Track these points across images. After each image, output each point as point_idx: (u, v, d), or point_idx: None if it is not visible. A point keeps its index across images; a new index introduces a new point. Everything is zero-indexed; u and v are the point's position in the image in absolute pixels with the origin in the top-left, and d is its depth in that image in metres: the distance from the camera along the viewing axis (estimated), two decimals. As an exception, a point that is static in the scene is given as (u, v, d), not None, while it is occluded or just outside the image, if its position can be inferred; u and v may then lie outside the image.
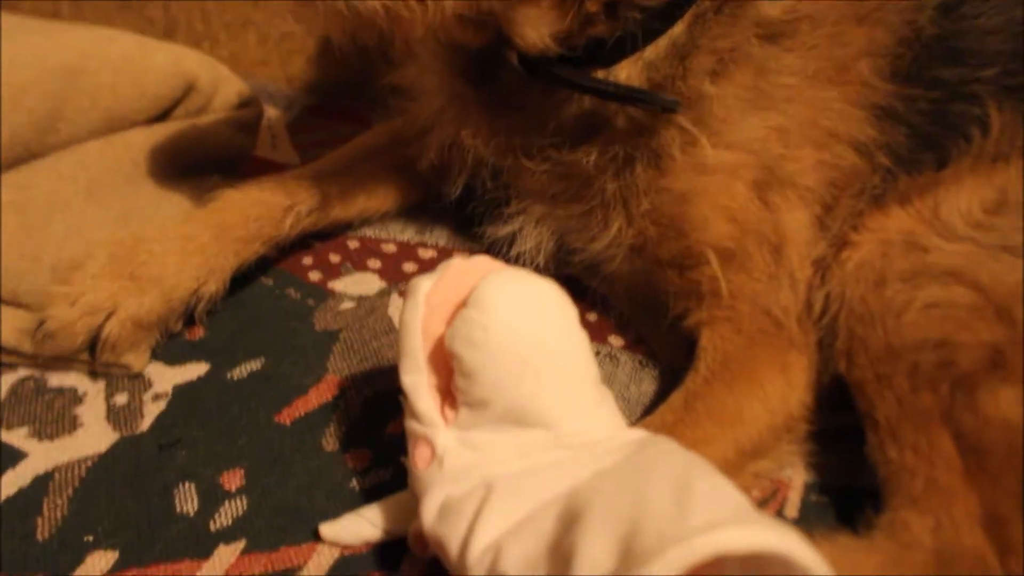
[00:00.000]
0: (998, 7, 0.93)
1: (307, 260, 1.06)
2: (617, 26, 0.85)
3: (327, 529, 0.76)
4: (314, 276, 1.04)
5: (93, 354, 0.91)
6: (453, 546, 0.64)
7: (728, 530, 0.52)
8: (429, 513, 0.67)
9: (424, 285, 0.73)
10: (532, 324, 0.69)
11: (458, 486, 0.67)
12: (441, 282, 0.73)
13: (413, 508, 0.71)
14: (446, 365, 0.71)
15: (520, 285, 0.71)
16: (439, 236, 1.10)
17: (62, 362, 0.93)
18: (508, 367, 0.68)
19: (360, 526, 0.76)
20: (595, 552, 0.55)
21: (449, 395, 0.71)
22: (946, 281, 0.80)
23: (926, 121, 0.89)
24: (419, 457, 0.70)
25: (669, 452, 0.65)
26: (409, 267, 1.05)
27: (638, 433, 0.71)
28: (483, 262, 0.75)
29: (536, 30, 0.85)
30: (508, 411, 0.68)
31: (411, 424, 0.72)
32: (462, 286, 0.72)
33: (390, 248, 1.08)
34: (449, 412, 0.71)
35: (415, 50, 1.01)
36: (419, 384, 0.71)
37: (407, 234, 1.10)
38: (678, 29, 0.87)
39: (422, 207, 1.12)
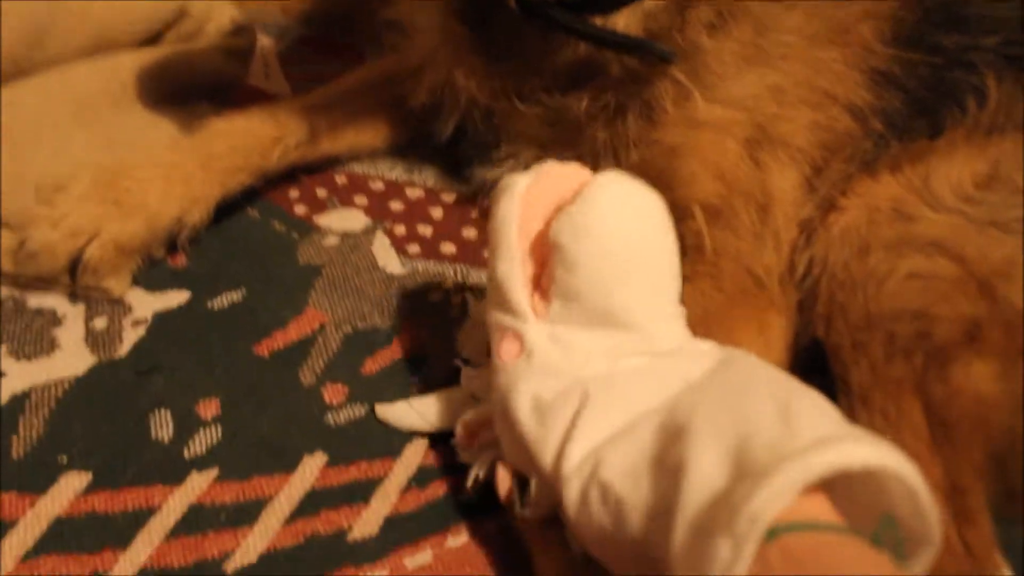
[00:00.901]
0: (1011, -23, 0.92)
1: (294, 193, 1.04)
2: (618, -28, 0.84)
3: (381, 409, 0.81)
4: (300, 209, 1.03)
5: (74, 277, 0.91)
6: (547, 451, 0.65)
7: (845, 446, 0.53)
8: (521, 408, 0.68)
9: (520, 182, 0.74)
10: (637, 225, 0.72)
11: (547, 384, 0.68)
12: (537, 181, 0.75)
13: (463, 404, 0.75)
14: (539, 261, 0.73)
15: (628, 187, 0.73)
16: (427, 176, 1.09)
17: (43, 283, 0.93)
18: (609, 263, 0.70)
19: (409, 416, 0.80)
20: (706, 465, 0.56)
21: (539, 289, 0.73)
22: (930, 252, 0.80)
23: (923, 87, 0.89)
24: (505, 351, 0.72)
25: (759, 367, 0.67)
26: (396, 205, 1.05)
27: (708, 344, 0.73)
28: (578, 168, 0.77)
29: (535, -28, 0.84)
30: (600, 308, 0.70)
31: (498, 316, 0.74)
32: (558, 187, 0.74)
33: (378, 185, 1.07)
34: (539, 305, 0.72)
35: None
36: (513, 273, 0.72)
37: (395, 172, 1.09)
38: (679, -19, 0.85)
39: (412, 146, 1.11)
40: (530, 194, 0.74)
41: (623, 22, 0.86)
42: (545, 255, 0.72)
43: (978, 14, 0.90)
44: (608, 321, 0.70)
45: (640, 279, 0.71)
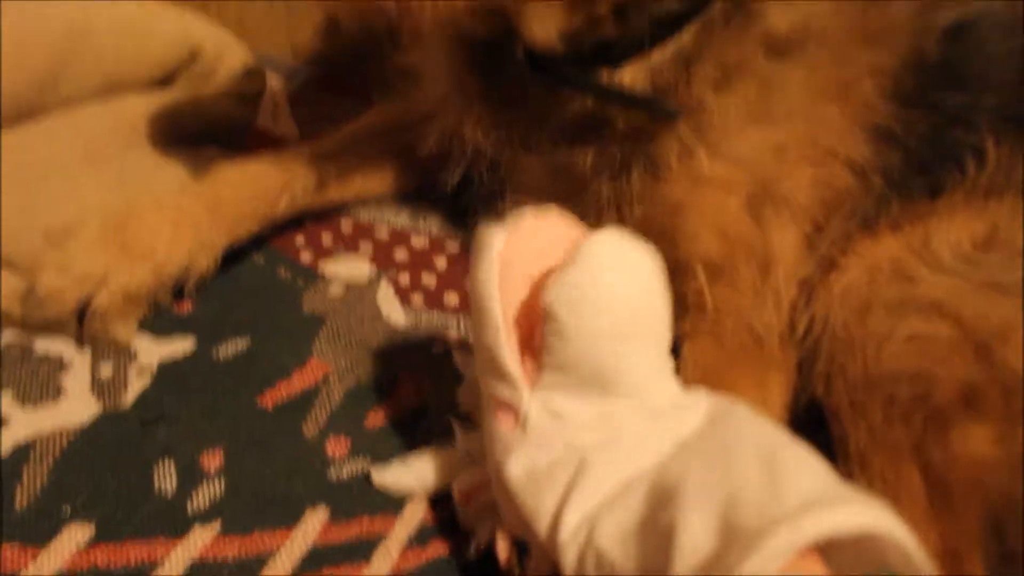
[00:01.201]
0: (1006, 35, 0.93)
1: (299, 239, 1.06)
2: (625, 29, 0.85)
3: (377, 475, 0.80)
4: (305, 256, 1.04)
5: (81, 323, 0.91)
6: (543, 520, 0.65)
7: (836, 510, 0.53)
8: (517, 478, 0.67)
9: (496, 241, 0.72)
10: (636, 289, 0.71)
11: (542, 453, 0.68)
12: (515, 236, 0.73)
13: (459, 465, 0.75)
14: (526, 322, 0.71)
15: (625, 250, 0.71)
16: (433, 224, 1.10)
17: (49, 329, 0.94)
18: (607, 332, 0.68)
19: (406, 479, 0.79)
20: (695, 528, 0.56)
21: (527, 352, 0.72)
22: (929, 314, 0.81)
23: (923, 145, 0.90)
24: (500, 420, 0.71)
25: (746, 421, 0.67)
26: (401, 254, 1.06)
27: (699, 394, 0.72)
28: (556, 217, 0.76)
29: (544, 27, 0.85)
30: (596, 375, 0.69)
31: (490, 384, 0.72)
32: (539, 242, 0.73)
33: (383, 232, 1.08)
34: (530, 367, 0.71)
35: (422, 36, 1.01)
36: (500, 341, 0.70)
37: (401, 219, 1.10)
38: (686, 35, 0.86)
39: (418, 192, 1.12)
40: (509, 251, 0.72)
41: (630, 77, 0.87)
42: (533, 318, 0.71)
43: (979, 74, 0.91)
44: (604, 387, 0.69)
45: (637, 343, 0.70)
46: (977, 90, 0.91)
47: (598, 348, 0.68)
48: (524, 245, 0.72)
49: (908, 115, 0.89)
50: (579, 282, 0.68)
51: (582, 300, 0.68)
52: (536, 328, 0.70)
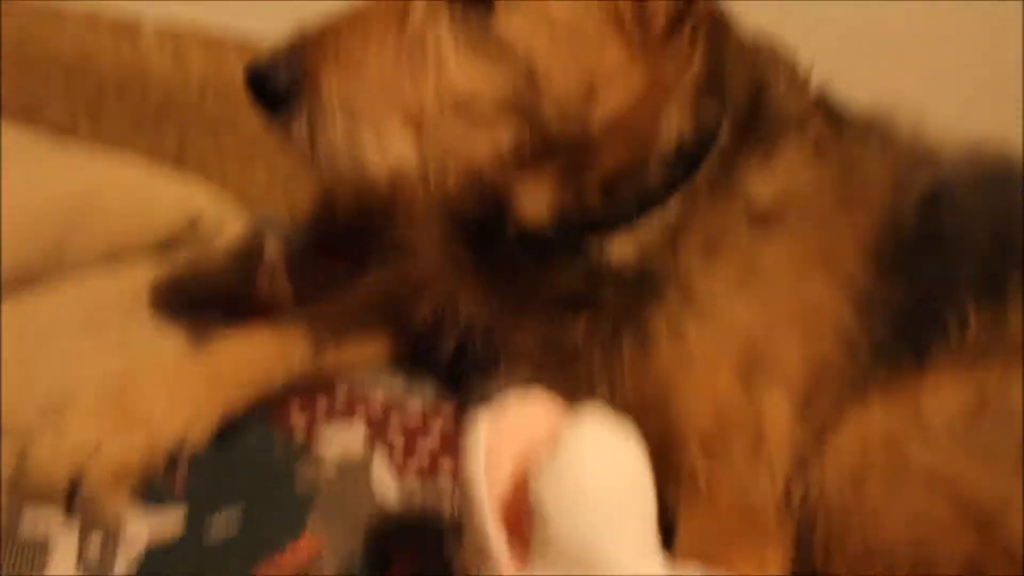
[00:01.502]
0: (980, 201, 0.96)
1: (294, 407, 1.06)
2: (612, 204, 0.88)
3: None
4: (300, 424, 1.04)
5: (72, 493, 0.91)
6: None
7: None
8: None
9: (482, 429, 0.73)
10: (620, 473, 0.71)
11: None
12: (500, 424, 0.74)
13: None
14: (514, 507, 0.71)
15: (605, 433, 0.72)
16: (427, 390, 1.10)
17: (39, 498, 0.93)
18: (594, 519, 0.68)
19: None
20: None
21: (515, 535, 0.71)
22: (926, 486, 0.81)
23: (906, 314, 0.91)
24: None
25: None
26: (395, 420, 1.06)
27: (690, 567, 0.73)
28: (539, 398, 0.77)
29: (534, 204, 0.88)
30: (582, 559, 0.68)
31: (481, 567, 0.72)
32: (524, 427, 0.73)
33: (378, 399, 1.09)
34: (518, 552, 0.70)
35: (415, 212, 1.04)
36: (489, 530, 0.70)
37: (395, 386, 1.11)
38: (671, 208, 0.89)
39: (412, 360, 1.13)
40: (495, 438, 0.73)
41: (617, 249, 0.90)
42: (520, 504, 0.71)
43: (956, 239, 0.94)
44: (592, 568, 0.68)
45: (623, 524, 0.70)
46: (955, 255, 0.93)
47: (584, 534, 0.68)
48: (509, 431, 0.73)
49: (890, 282, 0.91)
50: (563, 473, 0.68)
51: (566, 490, 0.68)
52: (523, 513, 0.70)
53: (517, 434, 0.73)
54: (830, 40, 1.22)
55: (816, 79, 1.00)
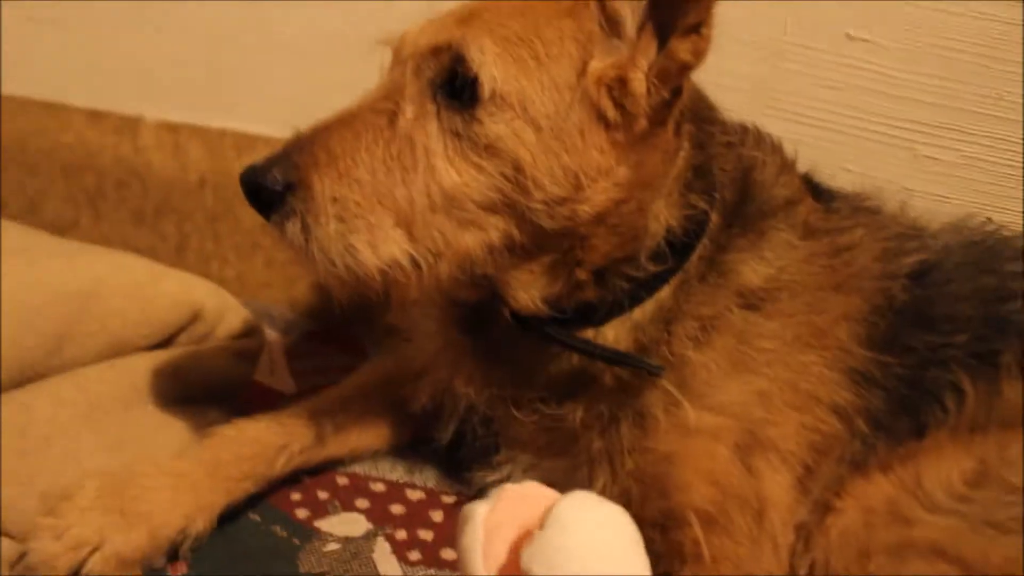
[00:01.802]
0: (968, 274, 0.98)
1: (295, 496, 1.06)
2: (605, 291, 0.91)
3: None
4: (301, 513, 1.04)
5: (74, 588, 0.90)
6: None
7: None
8: None
9: (480, 510, 0.75)
10: (609, 547, 0.72)
11: None
12: (497, 506, 0.75)
13: None
14: None
15: (595, 507, 0.74)
16: (428, 477, 1.11)
17: (41, 595, 0.92)
18: None
19: None
20: None
21: None
22: (931, 557, 0.81)
23: (902, 387, 0.93)
24: None
25: None
26: (397, 508, 1.05)
27: None
28: (535, 487, 0.78)
29: (527, 293, 0.90)
30: None
31: None
32: (519, 509, 0.75)
33: (379, 487, 1.09)
34: None
35: (411, 301, 1.06)
36: None
37: (396, 473, 1.11)
38: (664, 293, 0.91)
39: (413, 446, 1.14)
40: (491, 520, 0.74)
41: (613, 334, 0.91)
42: None
43: (945, 313, 0.95)
44: None
45: None
46: (947, 330, 0.94)
47: None
48: (506, 514, 0.75)
49: (884, 358, 0.92)
50: (551, 543, 0.70)
51: (556, 560, 0.69)
52: None
53: (514, 514, 0.75)
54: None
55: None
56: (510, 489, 0.77)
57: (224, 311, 1.24)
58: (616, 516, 0.74)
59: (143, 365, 1.16)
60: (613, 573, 0.71)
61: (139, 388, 1.14)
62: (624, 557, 0.73)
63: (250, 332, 1.24)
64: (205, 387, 1.17)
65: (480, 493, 0.78)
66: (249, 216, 1.43)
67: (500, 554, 0.73)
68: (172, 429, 1.09)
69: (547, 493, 0.77)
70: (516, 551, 0.73)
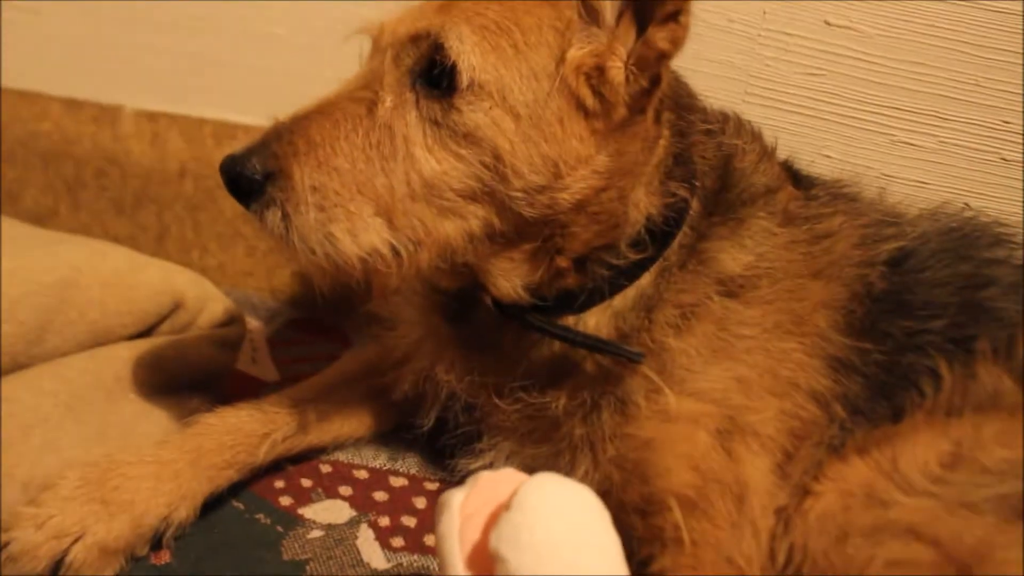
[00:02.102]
0: (944, 261, 0.99)
1: (279, 483, 1.06)
2: (586, 279, 0.91)
3: None
4: (284, 501, 1.04)
5: (55, 576, 0.90)
6: None
7: None
8: None
9: (456, 497, 0.76)
10: (573, 524, 0.73)
11: None
12: (472, 493, 0.77)
13: None
14: (486, 570, 0.73)
15: (559, 488, 0.75)
16: (411, 464, 1.11)
17: (21, 584, 0.92)
18: (551, 568, 0.70)
19: None
20: None
21: None
22: (907, 538, 0.82)
23: (880, 372, 0.94)
24: None
25: None
26: (380, 495, 1.06)
27: None
28: (511, 472, 0.80)
29: (509, 281, 0.91)
30: None
31: None
32: (494, 494, 0.76)
33: (362, 474, 1.09)
34: None
35: (391, 290, 1.06)
36: None
37: (379, 460, 1.11)
38: (645, 281, 0.92)
39: (395, 433, 1.14)
40: (467, 505, 0.76)
41: (594, 321, 0.92)
42: (490, 564, 0.73)
43: (923, 300, 0.96)
44: None
45: (581, 565, 0.71)
46: (924, 316, 0.95)
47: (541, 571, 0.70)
48: (481, 500, 0.76)
49: (862, 344, 0.93)
50: (517, 521, 0.71)
51: (521, 537, 0.70)
52: (493, 571, 0.72)
53: (489, 499, 0.76)
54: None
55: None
56: (485, 476, 0.78)
57: (205, 300, 1.24)
58: (581, 494, 0.76)
59: (125, 354, 1.16)
60: (579, 549, 0.72)
61: (121, 377, 1.14)
62: (590, 534, 0.74)
63: (232, 321, 1.24)
64: (187, 376, 1.16)
65: (462, 481, 0.79)
66: (230, 205, 1.43)
67: (475, 537, 0.75)
68: (154, 418, 1.09)
69: (521, 478, 0.78)
70: (488, 531, 0.74)
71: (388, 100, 0.83)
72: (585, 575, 0.72)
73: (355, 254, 0.82)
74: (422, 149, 0.82)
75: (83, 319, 1.16)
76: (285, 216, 0.81)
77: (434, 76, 0.81)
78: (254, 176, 0.81)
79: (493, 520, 0.74)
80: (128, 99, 1.50)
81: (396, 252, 0.83)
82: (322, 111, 0.84)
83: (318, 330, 1.36)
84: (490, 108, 0.80)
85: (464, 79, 0.79)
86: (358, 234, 0.82)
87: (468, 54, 0.79)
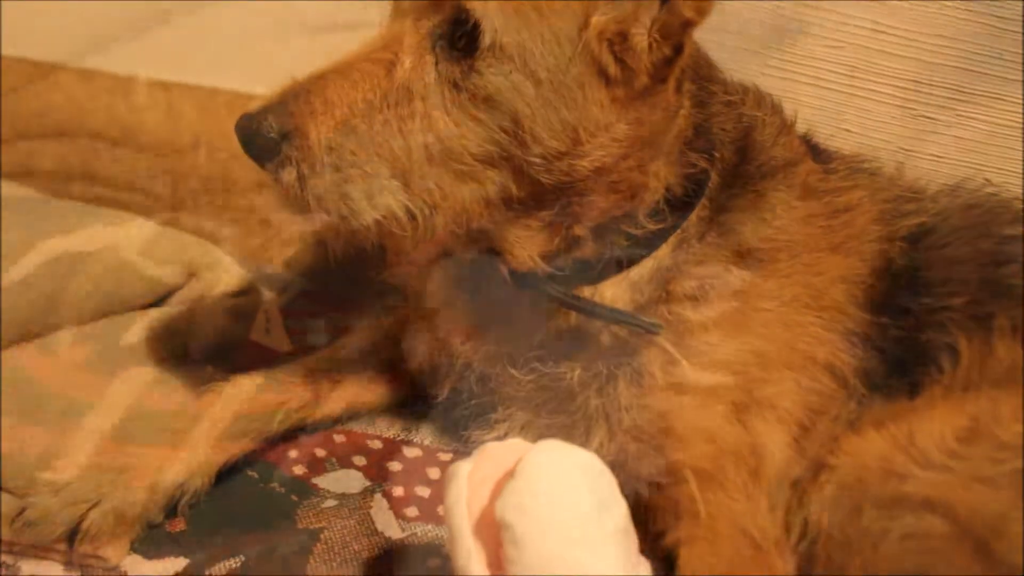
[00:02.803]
0: (965, 237, 0.98)
1: (293, 453, 1.06)
2: (604, 249, 0.91)
3: None
4: (298, 470, 1.04)
5: (72, 544, 0.91)
6: None
7: None
8: None
9: (464, 467, 0.77)
10: (579, 490, 0.74)
11: None
12: (480, 462, 0.77)
13: None
14: (494, 538, 0.74)
15: (564, 454, 0.76)
16: (425, 435, 1.11)
17: (38, 550, 0.93)
18: (557, 533, 0.71)
19: None
20: None
21: (496, 566, 0.74)
22: (922, 512, 0.82)
23: (899, 348, 0.93)
24: None
25: None
26: (394, 465, 1.06)
27: None
28: (518, 442, 0.81)
29: (525, 250, 0.90)
30: (551, 564, 0.70)
31: None
32: (501, 463, 0.77)
33: (376, 444, 1.09)
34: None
35: (407, 255, 1.06)
36: (471, 562, 0.73)
37: (393, 430, 1.12)
38: (662, 252, 0.91)
39: (410, 404, 1.14)
40: (474, 475, 0.76)
41: (611, 292, 0.92)
42: (497, 532, 0.73)
43: (943, 277, 0.95)
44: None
45: (590, 548, 0.72)
46: (943, 292, 0.95)
47: (551, 552, 0.70)
48: (488, 467, 0.77)
49: (880, 319, 0.93)
50: (520, 488, 0.72)
51: (525, 503, 0.71)
52: (500, 540, 0.73)
53: (497, 468, 0.76)
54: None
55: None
56: (492, 446, 0.79)
57: (219, 271, 1.24)
58: (585, 460, 0.76)
59: (139, 324, 1.16)
60: (583, 514, 0.73)
61: (136, 348, 1.14)
62: (595, 499, 0.74)
63: (246, 291, 1.24)
64: (201, 346, 1.17)
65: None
66: (244, 176, 1.43)
67: (483, 507, 0.75)
68: (168, 387, 1.10)
69: (527, 447, 0.79)
70: (495, 499, 0.74)
71: (407, 62, 0.82)
72: (590, 539, 0.72)
73: (370, 216, 0.81)
74: (441, 112, 0.81)
75: (97, 289, 1.16)
76: (301, 176, 0.81)
77: (455, 38, 0.80)
78: (269, 135, 0.80)
79: (500, 489, 0.74)
80: (140, 69, 1.49)
81: (411, 215, 0.82)
82: (340, 71, 0.83)
83: (332, 301, 1.36)
84: (510, 72, 0.79)
85: (486, 40, 0.78)
86: (374, 196, 0.81)
87: (491, 16, 0.78)
